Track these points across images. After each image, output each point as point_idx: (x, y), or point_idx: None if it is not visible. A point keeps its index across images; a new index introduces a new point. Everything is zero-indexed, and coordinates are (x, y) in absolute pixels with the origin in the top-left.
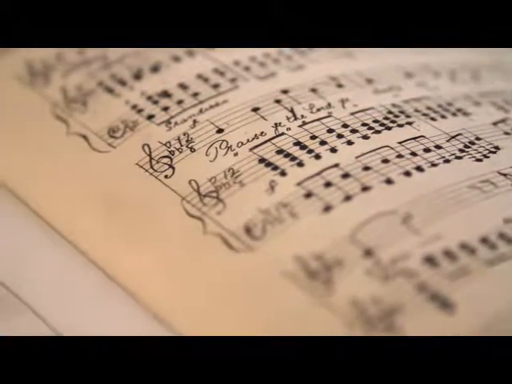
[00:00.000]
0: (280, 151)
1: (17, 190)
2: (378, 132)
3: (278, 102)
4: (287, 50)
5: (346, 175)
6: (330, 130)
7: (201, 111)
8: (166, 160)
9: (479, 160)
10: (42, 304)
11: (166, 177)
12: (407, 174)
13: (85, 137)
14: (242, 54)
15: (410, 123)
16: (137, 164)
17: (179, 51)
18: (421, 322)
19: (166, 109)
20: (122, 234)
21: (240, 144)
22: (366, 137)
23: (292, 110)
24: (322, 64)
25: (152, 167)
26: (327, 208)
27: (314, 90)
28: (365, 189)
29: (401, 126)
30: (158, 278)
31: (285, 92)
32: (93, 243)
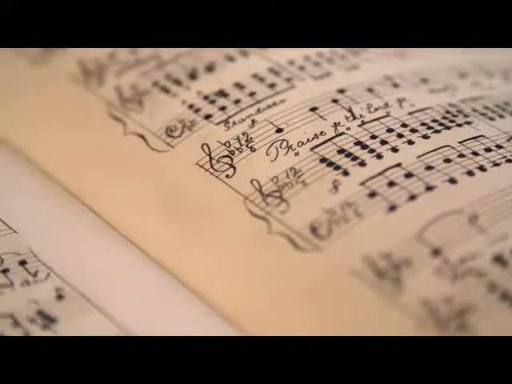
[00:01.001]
0: (341, 151)
1: (76, 191)
2: (438, 132)
3: (335, 101)
4: (340, 50)
5: (408, 175)
6: (390, 130)
7: (258, 111)
8: (226, 160)
9: None
10: (109, 304)
11: (227, 176)
12: (470, 173)
13: (142, 136)
14: (296, 53)
15: (468, 123)
16: (197, 164)
17: (233, 51)
18: (493, 321)
19: (223, 108)
20: (184, 234)
21: (300, 144)
22: (426, 136)
23: (350, 110)
24: (376, 63)
25: (212, 167)
26: (392, 207)
27: (370, 90)
28: (429, 188)
29: (460, 125)
30: (224, 277)
31: (341, 92)
32: (155, 243)
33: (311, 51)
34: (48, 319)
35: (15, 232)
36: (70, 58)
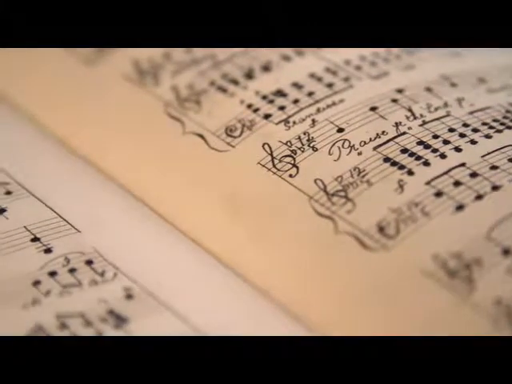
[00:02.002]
0: (404, 150)
1: (135, 191)
2: (500, 131)
3: (394, 101)
4: (395, 49)
5: (474, 174)
6: (452, 130)
7: (318, 110)
8: (288, 159)
9: None
10: (178, 303)
11: (290, 176)
12: None
13: (202, 136)
14: (351, 53)
15: None
16: (259, 163)
17: (288, 51)
18: None
19: (282, 108)
20: (248, 233)
21: (363, 143)
22: (488, 136)
23: (410, 110)
24: (432, 63)
25: (275, 166)
26: (460, 207)
27: (428, 90)
28: (495, 188)
29: None
30: (291, 277)
31: (400, 91)
32: (220, 242)
33: (366, 51)
34: (119, 319)
35: (78, 231)
36: (123, 57)
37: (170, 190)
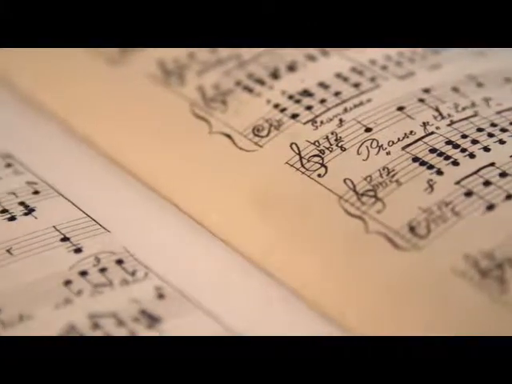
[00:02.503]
0: (433, 150)
1: (162, 191)
2: None
3: (421, 101)
4: (420, 49)
5: (503, 174)
6: (480, 129)
7: (345, 110)
8: (316, 159)
9: None
10: (210, 303)
11: (319, 176)
12: None
13: (229, 136)
14: (376, 53)
15: None
16: (287, 163)
17: (313, 50)
18: None
19: (309, 108)
20: (278, 233)
21: (391, 143)
22: None
23: (437, 109)
24: (457, 63)
25: (303, 166)
26: (490, 207)
27: (455, 89)
28: None
29: None
30: (323, 277)
31: (427, 91)
32: (248, 242)
33: (392, 51)
34: (152, 318)
35: (108, 231)
36: (147, 58)
37: (197, 189)
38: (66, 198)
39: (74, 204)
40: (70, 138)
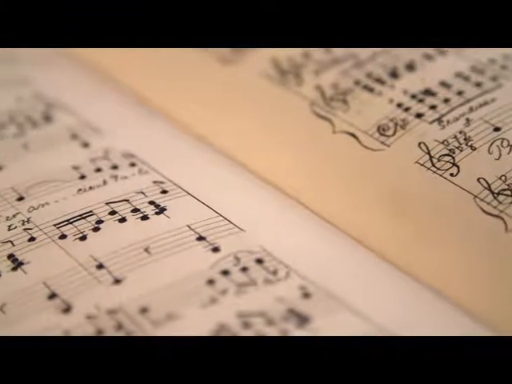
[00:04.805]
0: None
1: (288, 190)
2: None
3: None
4: None
5: None
6: None
7: (471, 109)
8: (447, 158)
9: None
10: (356, 302)
11: (451, 175)
12: None
13: (354, 135)
14: (495, 52)
15: None
16: (417, 162)
17: (430, 50)
18: None
19: (433, 107)
20: (414, 233)
21: None
22: None
23: None
24: None
25: (434, 165)
26: None
27: None
28: None
29: None
30: (466, 276)
31: None
32: (383, 242)
33: (510, 51)
34: (301, 318)
35: (242, 230)
36: (260, 57)
37: (323, 187)
38: (194, 197)
39: (204, 203)
40: (187, 138)
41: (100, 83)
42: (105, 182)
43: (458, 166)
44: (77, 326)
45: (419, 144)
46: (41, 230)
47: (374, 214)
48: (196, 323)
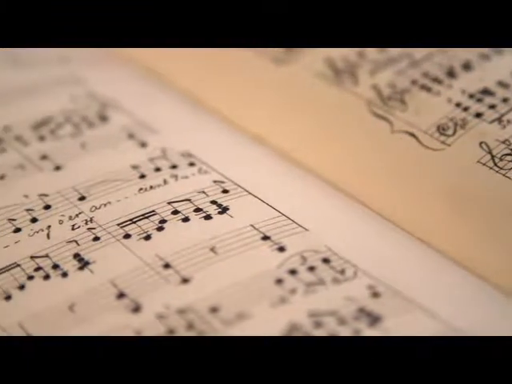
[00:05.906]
0: None
1: (348, 188)
2: None
3: None
4: None
5: None
6: None
7: None
8: (510, 158)
9: None
10: (426, 302)
11: None
12: None
13: (413, 135)
14: None
15: None
16: (478, 162)
17: (486, 50)
18: None
19: (493, 107)
20: (479, 233)
21: None
22: None
23: None
24: None
25: (496, 165)
26: None
27: None
28: None
29: None
30: None
31: None
32: (448, 242)
33: None
34: (372, 317)
35: (306, 230)
36: (314, 56)
37: (383, 186)
38: (256, 197)
39: (265, 202)
40: (243, 138)
41: (152, 84)
42: (165, 182)
43: None
44: (148, 325)
45: (480, 143)
46: (105, 229)
47: (436, 213)
48: (267, 323)
